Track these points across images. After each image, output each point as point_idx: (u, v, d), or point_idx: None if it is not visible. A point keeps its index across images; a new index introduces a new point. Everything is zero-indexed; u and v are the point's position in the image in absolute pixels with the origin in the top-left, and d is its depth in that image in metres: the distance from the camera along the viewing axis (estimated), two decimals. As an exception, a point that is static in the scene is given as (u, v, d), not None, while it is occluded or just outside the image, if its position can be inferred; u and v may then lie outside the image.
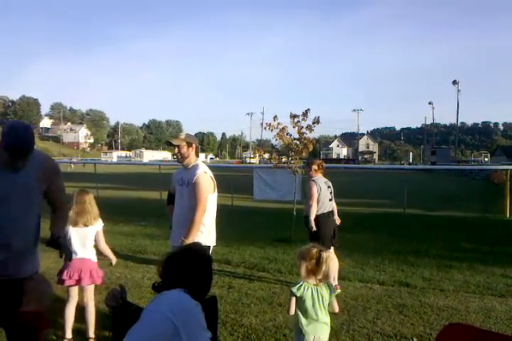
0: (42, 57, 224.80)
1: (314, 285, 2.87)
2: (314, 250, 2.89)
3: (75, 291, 3.67)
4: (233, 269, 5.93)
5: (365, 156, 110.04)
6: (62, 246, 2.72)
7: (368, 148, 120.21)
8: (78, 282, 3.60)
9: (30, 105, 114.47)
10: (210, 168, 3.80)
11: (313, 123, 9.29)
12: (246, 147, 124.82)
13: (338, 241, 5.33)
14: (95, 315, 3.65)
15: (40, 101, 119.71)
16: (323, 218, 5.25)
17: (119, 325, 2.14)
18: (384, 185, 23.84)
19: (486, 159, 63.18)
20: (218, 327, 2.77)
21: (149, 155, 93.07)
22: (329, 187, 5.49)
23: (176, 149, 3.66)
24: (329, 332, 2.96)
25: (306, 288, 2.85)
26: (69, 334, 3.55)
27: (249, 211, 12.33)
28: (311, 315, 2.83)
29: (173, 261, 1.98)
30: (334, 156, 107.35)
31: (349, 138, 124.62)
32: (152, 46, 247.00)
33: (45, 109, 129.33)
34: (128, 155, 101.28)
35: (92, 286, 3.74)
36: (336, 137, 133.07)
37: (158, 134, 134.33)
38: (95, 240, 3.77)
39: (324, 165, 5.62)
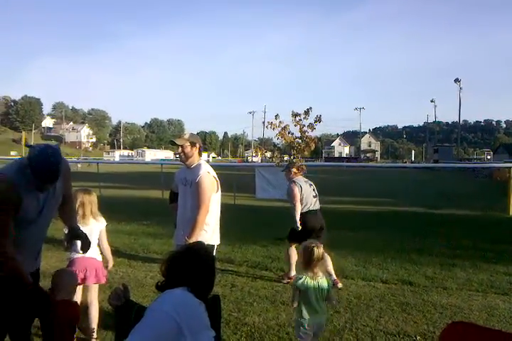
0: (44, 56, 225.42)
1: (313, 278, 3.12)
2: (309, 246, 3.19)
3: (79, 290, 3.68)
4: (236, 268, 5.93)
5: (367, 155, 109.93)
6: (84, 237, 2.89)
7: (370, 146, 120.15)
8: (83, 281, 3.60)
9: (32, 105, 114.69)
10: (213, 166, 3.81)
11: (315, 121, 9.29)
12: (248, 146, 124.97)
13: (324, 238, 5.28)
14: (98, 314, 3.66)
15: (42, 101, 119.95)
16: (309, 215, 5.38)
17: (122, 324, 2.15)
18: (386, 183, 23.82)
19: (488, 157, 63.11)
20: (221, 326, 2.78)
21: (151, 154, 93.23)
22: (311, 185, 5.62)
23: (180, 149, 3.65)
24: (326, 317, 3.32)
25: (307, 281, 3.11)
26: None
27: (252, 209, 12.33)
28: (312, 305, 3.09)
29: (176, 260, 1.99)
30: (336, 155, 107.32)
31: (351, 137, 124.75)
32: (153, 45, 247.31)
33: (47, 108, 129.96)
34: (130, 154, 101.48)
35: (97, 285, 3.75)
36: (337, 136, 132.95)
37: (160, 133, 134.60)
38: (98, 239, 3.78)
39: (304, 167, 5.81)
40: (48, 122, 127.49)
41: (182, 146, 3.64)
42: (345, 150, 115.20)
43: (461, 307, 4.47)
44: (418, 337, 3.74)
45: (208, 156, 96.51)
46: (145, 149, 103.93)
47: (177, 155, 3.78)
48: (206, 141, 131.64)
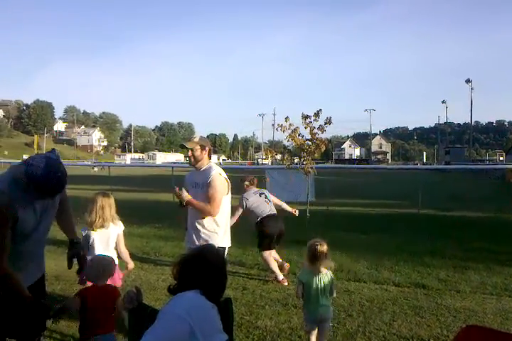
0: (55, 61, 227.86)
1: (316, 273, 3.33)
2: (313, 243, 3.37)
3: None
4: (247, 271, 5.93)
5: (378, 156, 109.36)
6: (82, 256, 2.83)
7: (380, 148, 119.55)
8: None
9: (44, 109, 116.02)
10: (223, 169, 3.81)
11: (325, 123, 9.28)
12: (258, 148, 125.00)
13: (279, 243, 5.86)
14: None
15: (53, 105, 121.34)
16: (269, 220, 5.71)
17: (135, 326, 2.16)
18: (398, 185, 23.66)
19: (501, 158, 62.36)
20: (233, 329, 2.78)
21: (162, 157, 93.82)
22: (262, 193, 5.99)
23: (190, 152, 3.67)
24: (331, 313, 3.45)
25: (310, 275, 3.34)
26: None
27: (262, 212, 12.30)
28: (315, 298, 3.31)
29: (187, 263, 1.99)
30: (347, 157, 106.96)
31: (361, 139, 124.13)
32: (163, 48, 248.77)
33: (58, 112, 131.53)
34: (141, 157, 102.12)
35: None
36: (348, 137, 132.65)
37: (171, 136, 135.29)
38: (116, 242, 3.81)
39: (256, 180, 6.19)
40: (59, 126, 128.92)
41: (192, 149, 3.66)
42: (356, 152, 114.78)
43: (475, 311, 4.42)
44: (431, 341, 3.70)
45: (218, 159, 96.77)
46: (156, 152, 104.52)
47: (187, 158, 3.80)
48: (216, 143, 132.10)
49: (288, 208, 6.29)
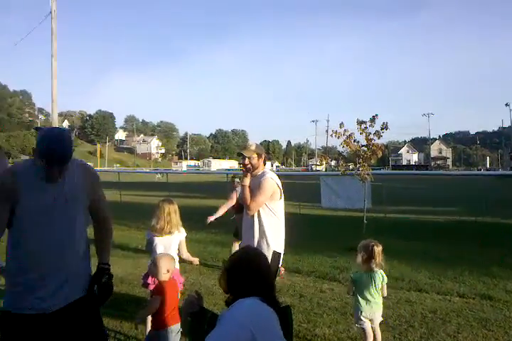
0: (115, 72, 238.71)
1: (369, 272, 3.48)
2: (369, 244, 3.51)
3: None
4: (303, 278, 5.90)
5: (438, 162, 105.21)
6: (106, 286, 2.38)
7: (440, 153, 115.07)
8: None
9: (105, 119, 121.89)
10: (278, 176, 3.83)
11: (382, 129, 9.09)
12: (311, 154, 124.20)
13: None
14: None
15: (114, 115, 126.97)
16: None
17: (196, 331, 2.20)
18: (459, 192, 22.63)
19: None
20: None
21: (217, 164, 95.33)
22: None
23: (247, 160, 3.71)
24: (382, 310, 3.56)
25: (362, 274, 3.52)
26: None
27: (317, 219, 12.21)
28: (366, 296, 3.46)
29: (231, 274, 1.99)
30: (404, 162, 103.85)
31: (420, 144, 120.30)
32: (216, 57, 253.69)
33: (119, 122, 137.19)
34: (196, 164, 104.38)
35: None
36: (405, 142, 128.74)
37: (225, 143, 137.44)
38: (178, 248, 3.92)
39: None
40: (120, 135, 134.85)
41: (249, 158, 3.71)
42: (414, 158, 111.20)
43: (549, 326, 4.14)
44: (501, 356, 3.51)
45: (272, 165, 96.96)
46: (211, 159, 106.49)
47: (241, 165, 3.85)
48: (270, 150, 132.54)
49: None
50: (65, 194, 2.19)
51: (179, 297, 3.74)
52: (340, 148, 11.20)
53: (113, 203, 15.25)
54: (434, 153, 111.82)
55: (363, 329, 3.50)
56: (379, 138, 9.09)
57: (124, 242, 8.38)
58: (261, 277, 1.97)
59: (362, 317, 3.47)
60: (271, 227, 3.64)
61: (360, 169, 9.29)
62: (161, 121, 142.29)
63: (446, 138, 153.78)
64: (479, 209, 11.55)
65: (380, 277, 3.50)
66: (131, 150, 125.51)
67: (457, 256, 7.06)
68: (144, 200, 16.37)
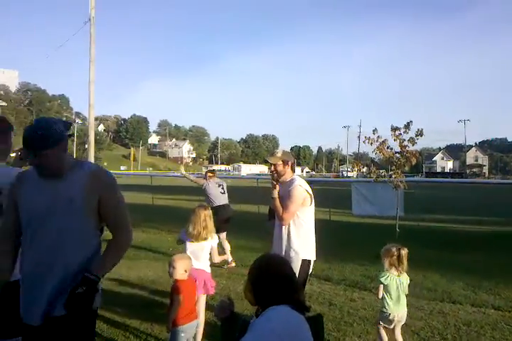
0: (149, 78, 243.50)
1: (396, 275, 3.63)
2: (395, 248, 3.65)
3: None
4: (333, 286, 5.83)
5: (474, 170, 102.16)
6: (79, 298, 2.02)
7: (476, 160, 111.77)
8: None
9: (139, 123, 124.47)
10: (307, 181, 3.81)
11: (416, 135, 8.94)
12: (343, 160, 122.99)
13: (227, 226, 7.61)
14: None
15: (148, 119, 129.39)
16: (218, 209, 7.33)
17: (227, 336, 2.21)
18: (496, 201, 21.91)
19: None
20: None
21: (247, 169, 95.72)
22: (220, 185, 7.78)
23: (273, 167, 3.71)
24: (406, 311, 3.73)
25: (390, 277, 3.64)
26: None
27: (348, 226, 12.07)
28: (394, 298, 3.61)
29: (256, 284, 1.97)
30: (438, 170, 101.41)
31: (455, 151, 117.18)
32: (247, 63, 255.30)
33: (153, 126, 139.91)
34: (227, 168, 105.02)
35: (205, 296, 3.91)
36: (439, 149, 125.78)
37: (255, 148, 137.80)
38: (210, 253, 3.97)
39: (215, 172, 8.56)
40: (153, 139, 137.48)
41: (275, 165, 3.70)
42: (449, 165, 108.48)
43: None
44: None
45: (302, 171, 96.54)
46: (241, 164, 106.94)
47: (270, 173, 3.84)
48: (300, 155, 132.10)
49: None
50: (64, 194, 2.08)
51: (203, 299, 3.86)
52: (372, 155, 11.09)
53: (145, 206, 15.53)
54: (469, 160, 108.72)
55: (380, 332, 3.68)
56: (413, 145, 8.95)
57: (154, 245, 8.50)
58: (284, 284, 1.94)
59: (389, 321, 3.62)
60: (299, 235, 3.61)
61: (393, 176, 9.15)
62: (193, 126, 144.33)
63: (483, 145, 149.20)
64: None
65: (407, 280, 3.68)
66: (163, 154, 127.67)
67: (493, 268, 6.84)
68: (176, 204, 16.58)
